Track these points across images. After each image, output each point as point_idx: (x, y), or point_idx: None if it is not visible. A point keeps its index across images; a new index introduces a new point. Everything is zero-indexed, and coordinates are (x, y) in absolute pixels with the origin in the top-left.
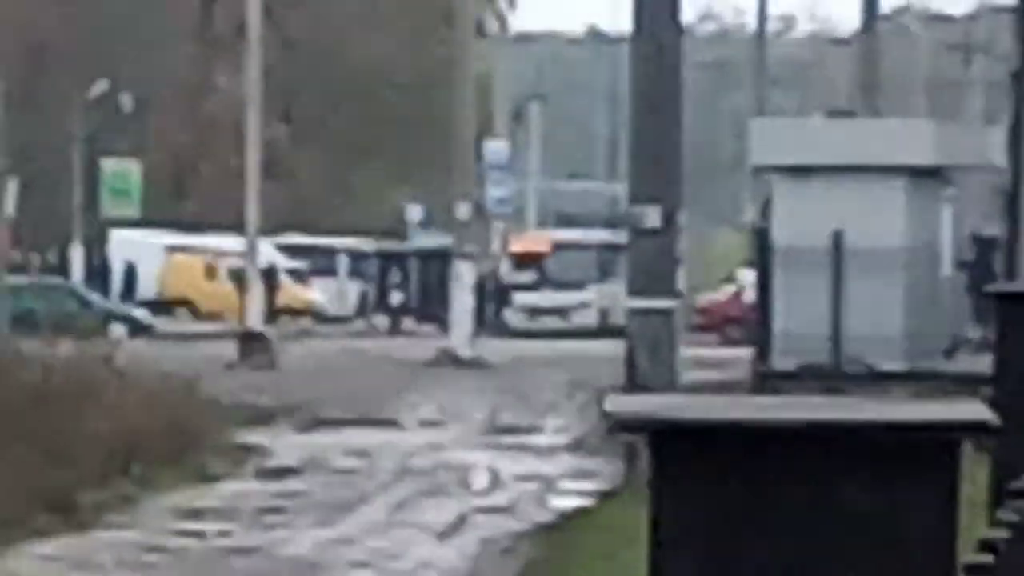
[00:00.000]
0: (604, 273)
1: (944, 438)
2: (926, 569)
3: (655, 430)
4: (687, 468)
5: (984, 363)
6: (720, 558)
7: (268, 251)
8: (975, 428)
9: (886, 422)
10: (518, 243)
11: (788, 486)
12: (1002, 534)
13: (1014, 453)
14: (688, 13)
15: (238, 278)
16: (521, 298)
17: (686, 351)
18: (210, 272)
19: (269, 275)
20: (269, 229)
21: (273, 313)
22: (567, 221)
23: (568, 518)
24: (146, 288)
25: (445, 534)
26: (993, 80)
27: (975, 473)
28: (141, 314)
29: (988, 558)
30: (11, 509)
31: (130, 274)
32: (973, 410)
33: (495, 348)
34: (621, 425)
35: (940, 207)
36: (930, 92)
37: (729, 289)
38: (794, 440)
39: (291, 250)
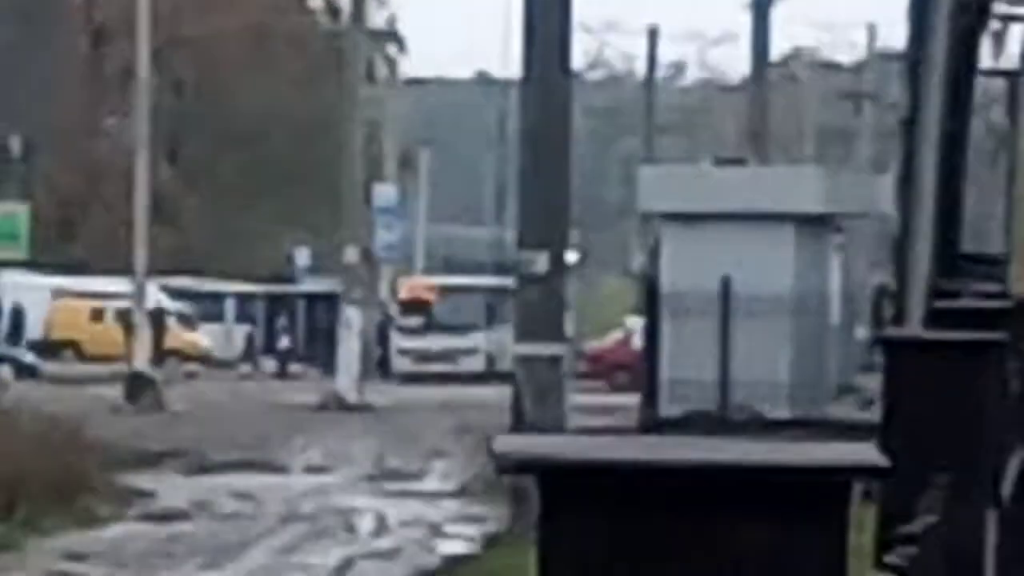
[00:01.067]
0: (492, 318)
1: (834, 481)
2: None
3: (543, 470)
4: (575, 509)
5: (874, 412)
6: None
7: (155, 294)
8: (866, 471)
9: (776, 464)
10: (406, 288)
11: (677, 528)
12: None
13: (901, 499)
14: (578, 59)
15: (125, 321)
16: (408, 343)
17: (574, 397)
18: (97, 315)
19: (156, 318)
20: (157, 272)
21: (160, 356)
22: (455, 266)
23: (454, 563)
24: (33, 330)
25: None
26: (882, 128)
27: (862, 520)
28: (27, 356)
29: None
30: None
31: (17, 316)
32: (864, 453)
33: (382, 392)
34: (508, 465)
35: (829, 254)
36: (819, 140)
37: (617, 335)
38: (683, 481)
39: (178, 293)
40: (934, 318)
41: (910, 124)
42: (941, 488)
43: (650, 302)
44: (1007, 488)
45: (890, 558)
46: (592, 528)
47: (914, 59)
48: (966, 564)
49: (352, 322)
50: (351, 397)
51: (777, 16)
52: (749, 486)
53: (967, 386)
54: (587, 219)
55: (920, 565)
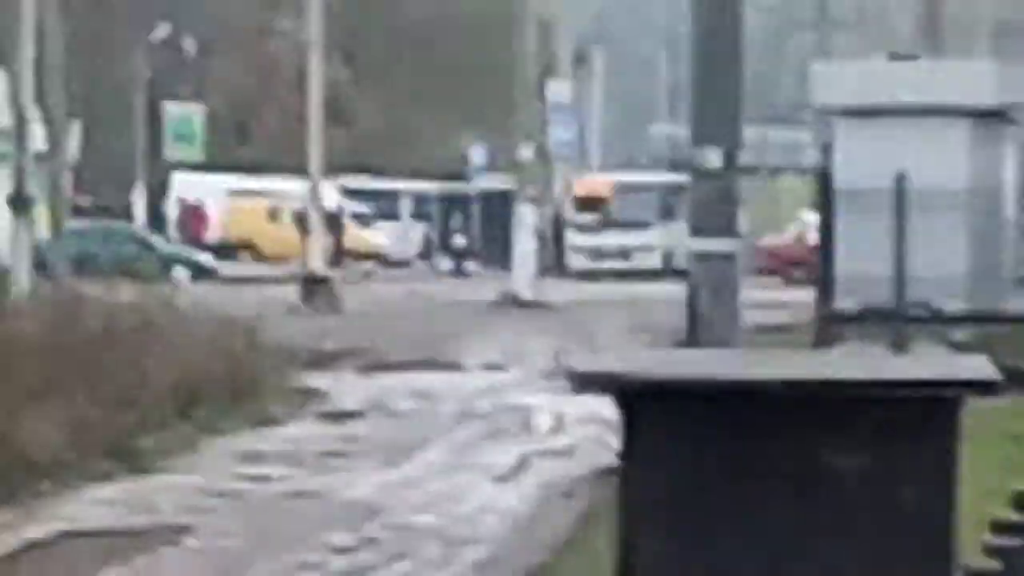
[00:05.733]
0: (667, 214)
1: (941, 397)
2: (922, 538)
3: (625, 389)
4: (660, 430)
5: None
6: (693, 530)
7: (332, 194)
8: (976, 386)
9: (876, 380)
10: (581, 186)
11: (769, 450)
12: None
13: None
14: None
15: (301, 221)
16: (584, 240)
17: (749, 293)
18: (273, 215)
19: (334, 219)
20: (331, 172)
21: (339, 257)
22: (630, 163)
23: None
24: (209, 232)
25: (506, 477)
26: None
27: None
28: (204, 258)
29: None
30: (72, 453)
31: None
32: (975, 367)
33: (558, 290)
34: (588, 383)
35: (1004, 148)
36: (994, 34)
37: (793, 231)
38: (776, 400)
39: (354, 193)
40: None
41: None
42: None
43: (824, 198)
44: None
45: None
46: (679, 450)
47: None
48: None
49: (526, 220)
50: (526, 294)
51: None
52: (848, 403)
53: None
54: (762, 115)
55: None
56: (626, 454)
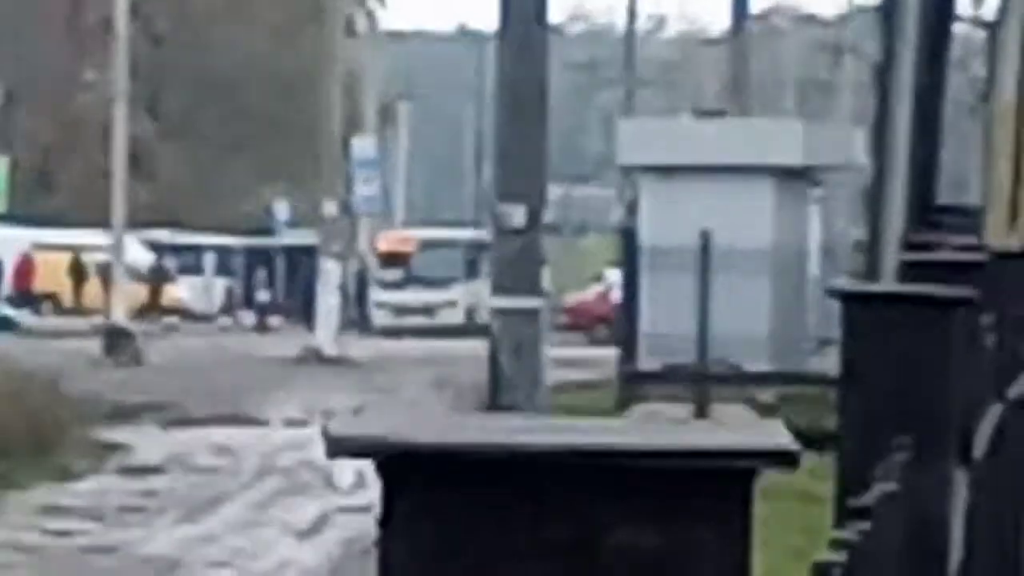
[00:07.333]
0: (471, 271)
1: (734, 469)
2: None
3: (385, 456)
4: (421, 501)
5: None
6: None
7: (141, 249)
8: (772, 457)
9: (662, 449)
10: (384, 241)
11: (546, 525)
12: (839, 558)
13: (861, 466)
14: (558, 13)
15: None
16: (388, 296)
17: (552, 350)
18: (75, 268)
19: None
20: (135, 226)
21: (142, 310)
22: (435, 219)
23: None
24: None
25: (306, 533)
26: (862, 81)
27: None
28: (6, 309)
29: None
30: None
31: None
32: (771, 436)
33: (361, 346)
34: (344, 449)
35: (808, 207)
36: (799, 93)
37: (597, 288)
38: (550, 470)
39: (158, 247)
40: (906, 271)
41: (884, 74)
42: (902, 451)
43: (629, 255)
44: (980, 445)
45: (842, 534)
46: (443, 525)
47: (889, 7)
48: (929, 530)
49: (330, 275)
50: (329, 350)
51: None
52: (630, 476)
53: (929, 343)
54: (568, 173)
55: (875, 539)
56: (384, 524)
